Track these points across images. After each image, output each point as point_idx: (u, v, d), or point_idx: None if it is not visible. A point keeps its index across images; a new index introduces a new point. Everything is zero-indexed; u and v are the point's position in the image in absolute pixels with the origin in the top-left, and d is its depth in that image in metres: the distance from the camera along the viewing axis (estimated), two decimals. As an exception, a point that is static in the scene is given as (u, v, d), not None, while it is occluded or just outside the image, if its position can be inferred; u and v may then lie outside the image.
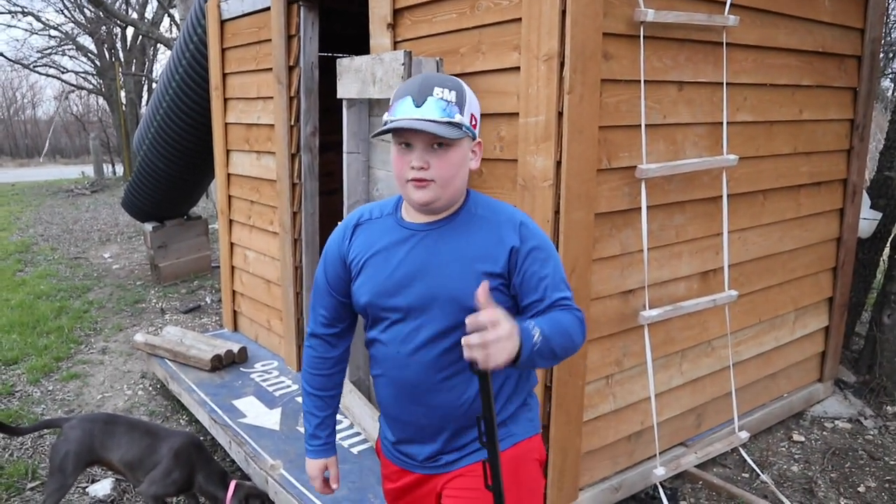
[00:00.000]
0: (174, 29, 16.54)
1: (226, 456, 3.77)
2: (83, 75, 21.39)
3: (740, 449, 3.71)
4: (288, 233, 4.32)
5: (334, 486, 2.07)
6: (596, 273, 2.87)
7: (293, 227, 4.31)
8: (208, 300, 6.83)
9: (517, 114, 2.71)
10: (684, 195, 3.16)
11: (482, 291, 1.45)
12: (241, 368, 4.48)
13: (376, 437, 2.04)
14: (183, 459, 3.01)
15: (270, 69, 4.26)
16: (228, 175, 5.09)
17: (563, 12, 2.50)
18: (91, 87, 21.60)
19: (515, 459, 1.79)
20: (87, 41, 19.55)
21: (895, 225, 4.74)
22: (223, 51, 4.88)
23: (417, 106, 1.61)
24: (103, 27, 17.82)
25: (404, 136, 1.64)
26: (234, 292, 5.26)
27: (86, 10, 17.79)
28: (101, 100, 23.44)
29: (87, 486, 3.59)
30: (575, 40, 2.52)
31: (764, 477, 3.57)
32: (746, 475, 3.62)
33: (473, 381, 1.72)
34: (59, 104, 28.10)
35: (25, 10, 18.14)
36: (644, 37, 2.79)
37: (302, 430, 3.60)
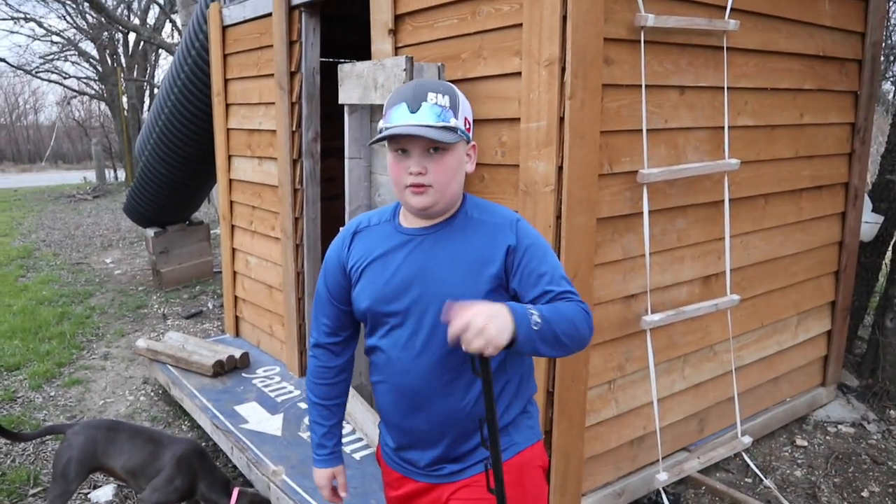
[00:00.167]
0: (176, 34, 16.60)
1: (228, 462, 3.77)
2: (85, 81, 21.44)
3: (743, 454, 3.70)
4: (290, 238, 4.33)
5: (343, 494, 2.06)
6: (598, 278, 2.87)
7: (295, 233, 4.31)
8: (210, 305, 6.83)
9: (518, 119, 2.71)
10: (686, 199, 3.16)
11: (447, 312, 1.45)
12: (243, 374, 4.48)
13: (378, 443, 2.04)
14: (185, 467, 3.01)
15: (272, 75, 4.27)
16: (230, 180, 5.10)
17: (564, 18, 2.51)
18: (93, 92, 21.65)
19: (519, 468, 1.79)
20: (89, 47, 19.60)
21: (897, 228, 4.74)
22: (225, 56, 4.89)
23: (413, 112, 1.62)
24: (105, 33, 17.84)
25: (400, 142, 1.66)
26: (235, 298, 5.26)
27: (88, 15, 17.83)
28: (103, 105, 23.48)
29: (89, 493, 3.59)
30: (576, 45, 2.52)
31: (767, 482, 3.56)
32: (749, 480, 3.61)
33: (474, 385, 1.73)
34: (61, 109, 28.14)
35: (28, 16, 18.21)
36: (645, 41, 2.79)
37: (304, 435, 3.60)
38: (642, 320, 3.06)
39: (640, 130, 2.88)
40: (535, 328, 1.49)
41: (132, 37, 18.16)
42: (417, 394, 1.75)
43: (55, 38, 19.41)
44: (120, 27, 16.43)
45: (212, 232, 8.34)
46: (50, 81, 21.99)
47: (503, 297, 1.70)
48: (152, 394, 4.82)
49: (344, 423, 3.65)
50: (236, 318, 5.30)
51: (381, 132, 1.67)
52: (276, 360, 4.72)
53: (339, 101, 3.40)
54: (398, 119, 1.63)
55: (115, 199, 14.73)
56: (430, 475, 1.84)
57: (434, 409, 1.76)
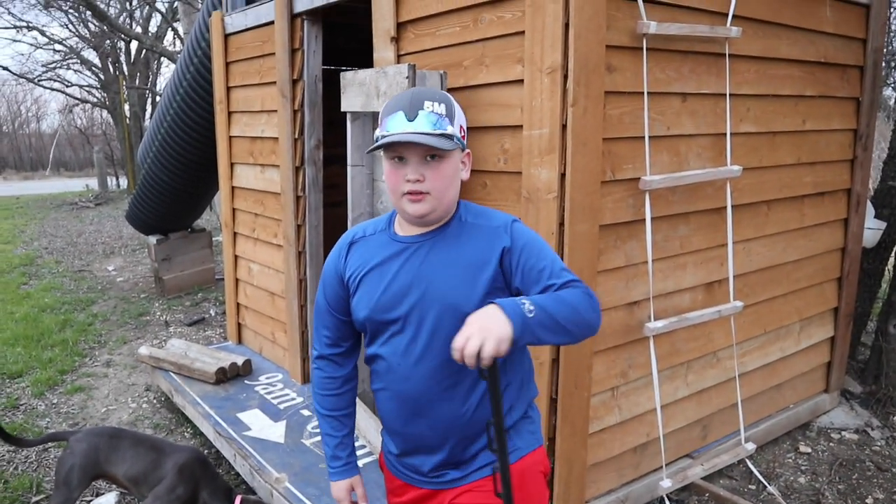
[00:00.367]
0: (178, 43, 16.66)
1: (231, 469, 3.76)
2: (87, 89, 21.50)
3: (747, 460, 3.69)
4: (292, 245, 4.33)
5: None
6: (601, 285, 2.87)
7: (297, 240, 4.32)
8: (212, 312, 6.83)
9: (521, 126, 2.72)
10: (688, 206, 3.16)
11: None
12: (246, 381, 4.48)
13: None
14: (187, 475, 3.01)
15: (274, 83, 4.29)
16: (233, 188, 5.11)
17: (566, 25, 2.52)
18: (95, 100, 21.71)
19: (522, 473, 1.80)
20: (91, 55, 19.67)
21: (900, 234, 4.73)
22: (227, 64, 4.90)
23: (410, 120, 1.65)
24: (107, 41, 17.91)
25: (398, 150, 1.67)
26: (238, 305, 5.27)
27: (90, 24, 17.90)
28: (105, 113, 23.53)
29: (91, 500, 3.58)
30: (578, 53, 2.53)
31: (771, 489, 3.55)
32: (753, 487, 3.60)
33: (475, 390, 1.74)
34: (63, 118, 28.23)
35: (30, 24, 18.27)
36: (647, 49, 2.80)
37: (307, 443, 3.60)
38: (645, 327, 3.06)
39: (643, 137, 2.88)
40: (530, 315, 1.51)
41: (134, 45, 18.23)
42: (419, 400, 1.76)
43: (58, 47, 19.49)
44: (122, 35, 16.50)
45: (214, 239, 8.35)
46: (52, 90, 22.10)
47: (504, 296, 1.70)
48: (155, 401, 4.82)
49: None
50: (238, 325, 5.30)
51: (377, 140, 1.68)
52: (279, 367, 4.72)
53: (342, 109, 3.41)
54: (395, 127, 1.66)
55: (118, 206, 14.75)
56: (432, 481, 1.84)
57: (435, 414, 1.76)
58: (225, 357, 4.59)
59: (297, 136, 4.20)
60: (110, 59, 19.20)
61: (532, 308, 1.52)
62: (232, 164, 5.07)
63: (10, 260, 9.52)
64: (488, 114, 2.88)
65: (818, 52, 3.61)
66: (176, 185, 6.53)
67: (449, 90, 3.00)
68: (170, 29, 16.97)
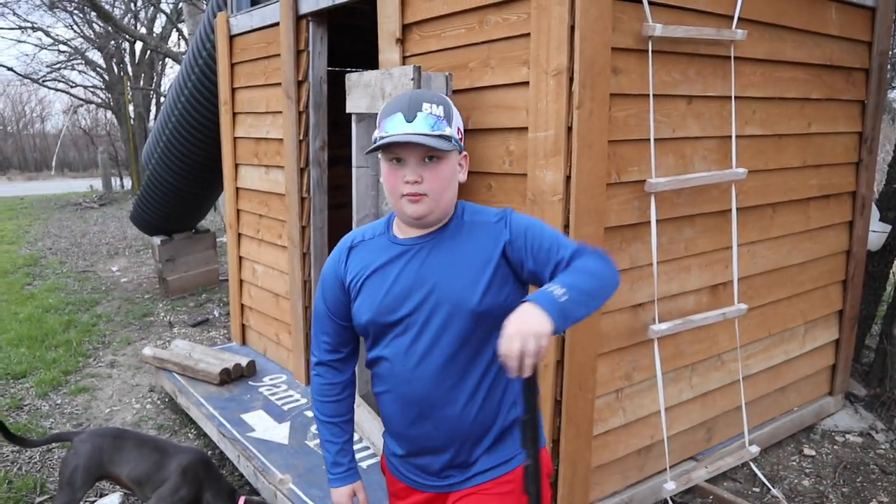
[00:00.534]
0: (182, 44, 16.68)
1: (234, 470, 3.76)
2: (92, 90, 21.53)
3: (751, 463, 3.69)
4: (297, 247, 4.33)
5: None
6: (605, 287, 2.86)
7: (302, 241, 4.32)
8: (216, 314, 6.84)
9: (526, 128, 2.72)
10: (693, 209, 3.16)
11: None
12: (250, 382, 4.48)
13: (383, 452, 2.04)
14: (191, 477, 3.01)
15: (279, 84, 4.29)
16: (237, 189, 5.11)
17: (572, 27, 2.52)
18: (99, 101, 21.75)
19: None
20: (95, 56, 19.71)
21: (904, 237, 4.72)
22: (232, 66, 4.91)
23: (409, 121, 1.66)
24: (112, 42, 17.95)
25: (396, 151, 1.68)
26: (242, 306, 5.27)
27: (95, 25, 17.93)
28: (109, 114, 23.58)
29: (95, 501, 3.58)
30: (584, 55, 2.53)
31: (775, 491, 3.55)
32: (757, 489, 3.60)
33: (479, 390, 1.75)
34: (67, 118, 28.28)
35: (35, 25, 18.31)
36: (653, 51, 2.80)
37: (311, 444, 3.60)
38: (650, 329, 3.06)
39: (648, 140, 2.88)
40: (564, 299, 1.51)
41: (139, 46, 18.26)
42: (423, 402, 1.76)
43: (62, 48, 19.53)
44: (127, 36, 16.54)
45: (218, 240, 8.36)
46: (57, 90, 22.14)
47: (505, 293, 1.73)
48: (158, 402, 4.82)
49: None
50: (243, 326, 5.31)
51: (375, 142, 1.69)
52: (283, 368, 4.72)
53: (347, 110, 3.41)
54: (394, 128, 1.66)
55: (122, 207, 14.79)
56: (437, 484, 1.84)
57: (439, 416, 1.76)
58: (229, 358, 4.60)
59: (301, 137, 4.20)
60: (115, 60, 19.24)
61: (562, 290, 1.53)
62: (236, 166, 5.08)
63: (14, 260, 9.54)
64: (493, 116, 2.88)
65: (824, 54, 3.61)
66: (180, 186, 6.54)
67: (454, 92, 3.00)
68: (174, 30, 16.98)
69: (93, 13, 15.61)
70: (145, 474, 3.03)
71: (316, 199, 4.27)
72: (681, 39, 2.89)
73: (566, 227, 2.65)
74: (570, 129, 2.58)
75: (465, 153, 1.79)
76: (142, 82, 18.76)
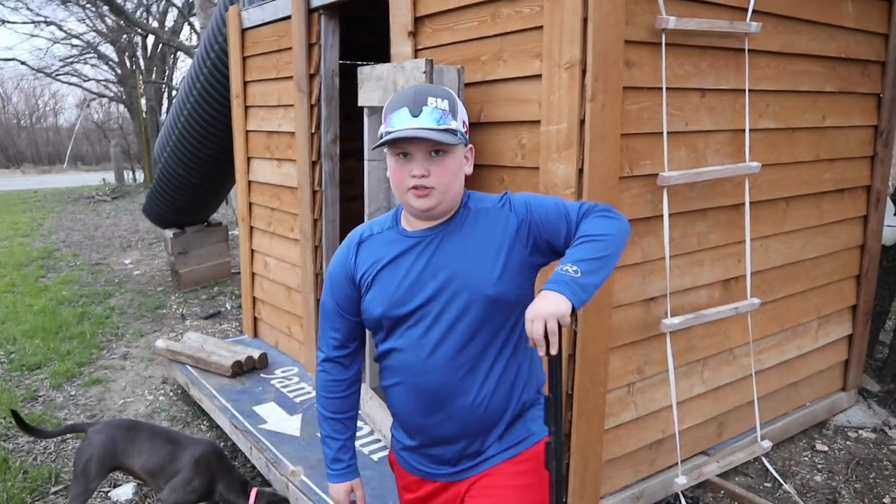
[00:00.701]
0: (194, 37, 16.73)
1: (246, 462, 3.79)
2: (104, 83, 21.68)
3: (762, 458, 3.67)
4: (308, 240, 4.35)
5: None
6: (617, 281, 2.86)
7: (314, 234, 4.33)
8: (228, 306, 6.87)
9: (539, 121, 2.71)
10: (706, 203, 3.15)
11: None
12: (262, 374, 4.50)
13: (393, 446, 2.05)
14: (203, 468, 3.03)
15: (291, 77, 4.30)
16: (249, 182, 5.13)
17: (585, 20, 2.50)
18: (112, 94, 21.87)
19: (539, 457, 1.81)
20: (108, 50, 19.82)
21: (919, 232, 4.68)
22: (244, 59, 4.92)
23: (414, 116, 1.67)
24: (124, 36, 18.04)
25: (402, 146, 1.69)
26: (254, 299, 5.29)
27: (107, 19, 18.01)
28: (121, 107, 23.73)
29: (109, 491, 3.62)
30: (597, 48, 2.52)
31: (786, 487, 3.53)
32: (769, 485, 3.59)
33: (490, 378, 1.77)
34: (80, 112, 28.46)
35: (48, 19, 18.42)
36: (666, 44, 2.79)
37: (322, 436, 3.61)
38: (662, 323, 3.05)
39: (661, 133, 2.87)
40: (578, 275, 1.59)
41: (151, 39, 18.35)
42: (437, 392, 1.77)
43: (75, 42, 19.66)
44: (139, 30, 16.60)
45: (230, 233, 8.39)
46: (69, 84, 22.32)
47: (516, 278, 1.75)
48: (171, 394, 4.86)
49: (362, 424, 3.68)
50: (255, 318, 5.33)
51: (381, 137, 1.70)
52: (295, 360, 4.74)
53: (359, 104, 3.41)
54: (400, 123, 1.67)
55: (134, 200, 14.86)
56: (450, 471, 1.85)
57: (453, 405, 1.77)
58: (241, 350, 4.62)
59: (313, 130, 4.21)
60: (127, 54, 19.34)
61: (575, 268, 1.60)
62: (248, 159, 5.09)
63: (28, 253, 9.61)
64: (506, 109, 2.88)
65: (839, 47, 3.58)
66: (193, 180, 6.57)
67: (466, 85, 3.00)
68: (186, 23, 17.05)
69: (105, 7, 15.68)
70: (158, 465, 3.06)
71: (328, 193, 4.28)
72: (694, 32, 2.87)
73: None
74: (582, 122, 2.57)
75: (470, 146, 1.80)
76: (154, 76, 18.85)
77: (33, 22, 18.31)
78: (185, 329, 6.16)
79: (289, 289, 4.75)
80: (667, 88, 2.83)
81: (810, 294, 3.84)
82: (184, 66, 20.63)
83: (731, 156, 3.20)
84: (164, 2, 18.05)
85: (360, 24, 5.28)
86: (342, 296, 1.87)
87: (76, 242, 10.56)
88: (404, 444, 1.92)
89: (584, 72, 2.54)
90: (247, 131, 5.04)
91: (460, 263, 1.73)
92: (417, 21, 3.23)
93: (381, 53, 3.82)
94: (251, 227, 5.21)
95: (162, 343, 4.82)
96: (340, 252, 1.89)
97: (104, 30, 18.62)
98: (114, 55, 19.72)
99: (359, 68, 3.38)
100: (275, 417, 3.86)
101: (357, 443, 3.46)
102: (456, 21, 3.04)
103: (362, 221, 3.53)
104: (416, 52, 3.26)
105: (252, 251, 5.24)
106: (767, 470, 3.64)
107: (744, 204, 3.26)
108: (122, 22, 16.08)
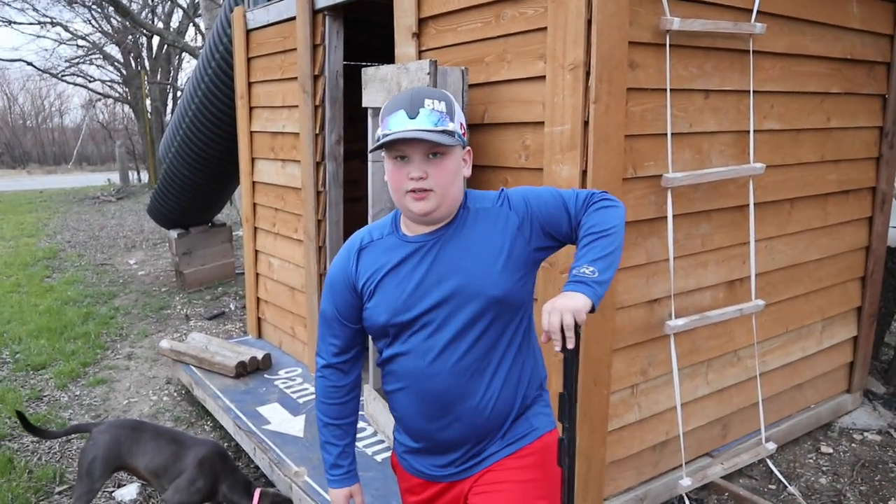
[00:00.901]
0: (199, 38, 16.76)
1: (250, 462, 3.79)
2: (109, 84, 21.72)
3: (767, 460, 3.66)
4: (312, 240, 4.35)
5: None
6: (621, 282, 2.86)
7: (318, 235, 4.34)
8: (232, 307, 6.88)
9: (542, 123, 2.71)
10: (710, 204, 3.14)
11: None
12: (266, 375, 4.50)
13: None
14: (207, 468, 3.03)
15: (296, 78, 4.30)
16: (253, 183, 5.13)
17: (589, 21, 2.50)
18: (117, 95, 21.91)
19: (542, 450, 1.83)
20: (113, 50, 19.86)
21: (925, 234, 4.66)
22: (249, 60, 4.93)
23: (412, 118, 1.66)
24: (130, 37, 18.07)
25: (400, 148, 1.68)
26: (258, 299, 5.30)
27: (113, 20, 18.06)
28: (126, 108, 23.77)
29: (113, 491, 3.62)
30: (601, 49, 2.52)
31: (791, 489, 3.52)
32: (773, 487, 3.58)
33: (494, 382, 1.77)
34: (85, 112, 28.52)
35: (54, 20, 18.47)
36: (670, 45, 2.78)
37: (326, 437, 3.61)
38: (666, 325, 3.04)
39: (665, 134, 2.86)
40: (595, 275, 1.64)
41: (156, 40, 18.38)
42: (443, 396, 1.76)
43: (81, 42, 19.71)
44: (144, 31, 16.63)
45: (234, 234, 8.41)
46: (75, 84, 22.34)
47: (519, 277, 1.76)
48: (175, 394, 4.86)
49: (365, 425, 3.68)
50: (258, 319, 5.34)
51: (378, 140, 1.69)
52: (299, 361, 4.75)
53: (363, 105, 3.41)
54: (397, 125, 1.66)
55: (139, 200, 14.89)
56: (454, 472, 1.85)
57: (459, 409, 1.77)
58: (245, 351, 4.63)
59: (318, 131, 4.21)
60: (132, 55, 19.38)
61: (591, 268, 1.65)
62: (253, 160, 5.10)
63: (33, 253, 9.64)
64: (510, 110, 2.88)
65: (844, 48, 3.57)
66: (197, 180, 6.58)
67: (470, 86, 3.00)
68: (191, 24, 17.07)
69: (111, 8, 15.72)
70: (162, 466, 3.06)
71: (331, 193, 4.28)
72: (699, 33, 2.87)
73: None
74: (586, 123, 2.57)
75: (468, 148, 1.80)
76: (159, 76, 18.89)
77: (39, 23, 18.37)
78: (189, 329, 6.17)
79: (292, 289, 4.76)
80: (671, 90, 2.83)
81: (815, 296, 3.83)
82: (189, 67, 20.70)
83: (735, 157, 3.19)
84: (169, 3, 18.10)
85: (363, 26, 5.28)
86: (343, 303, 1.86)
87: (81, 243, 10.59)
88: (407, 446, 1.92)
89: (587, 73, 2.54)
90: (251, 132, 5.05)
91: (463, 266, 1.72)
92: (422, 22, 3.23)
93: (385, 55, 3.82)
94: (255, 228, 5.22)
95: (166, 343, 4.83)
96: (340, 259, 1.87)
97: (110, 31, 18.67)
98: (119, 56, 19.77)
99: (363, 69, 3.38)
100: (278, 418, 3.86)
101: (360, 444, 3.49)
102: (460, 22, 3.04)
103: (366, 222, 3.54)
104: (420, 54, 3.26)
105: (256, 252, 5.25)
106: (772, 472, 3.63)
107: (748, 205, 3.25)
108: (127, 23, 16.12)
